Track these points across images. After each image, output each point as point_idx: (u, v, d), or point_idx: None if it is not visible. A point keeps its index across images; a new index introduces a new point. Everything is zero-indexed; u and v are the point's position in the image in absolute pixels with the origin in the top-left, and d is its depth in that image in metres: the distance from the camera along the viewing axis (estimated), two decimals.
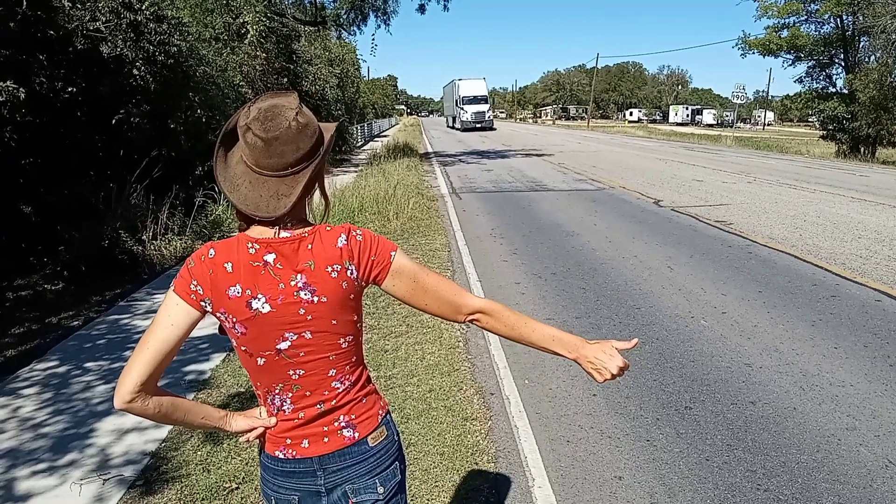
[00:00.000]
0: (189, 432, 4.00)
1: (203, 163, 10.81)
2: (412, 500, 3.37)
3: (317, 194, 1.70)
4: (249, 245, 1.56)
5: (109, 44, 8.64)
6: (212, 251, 1.58)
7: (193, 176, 10.52)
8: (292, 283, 1.56)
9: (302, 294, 1.56)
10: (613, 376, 1.69)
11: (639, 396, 4.59)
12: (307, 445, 1.68)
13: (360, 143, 36.12)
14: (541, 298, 6.93)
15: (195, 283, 1.56)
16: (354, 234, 1.63)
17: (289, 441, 1.68)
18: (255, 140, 1.50)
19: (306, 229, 1.60)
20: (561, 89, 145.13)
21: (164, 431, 4.04)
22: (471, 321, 1.75)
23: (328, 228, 1.62)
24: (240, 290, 1.55)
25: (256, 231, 1.58)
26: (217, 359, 5.14)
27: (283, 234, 1.58)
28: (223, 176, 1.58)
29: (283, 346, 1.60)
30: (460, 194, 15.33)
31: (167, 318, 1.56)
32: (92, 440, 3.96)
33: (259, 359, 1.62)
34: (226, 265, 1.55)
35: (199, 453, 3.77)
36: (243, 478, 3.51)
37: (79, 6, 8.42)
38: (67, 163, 8.05)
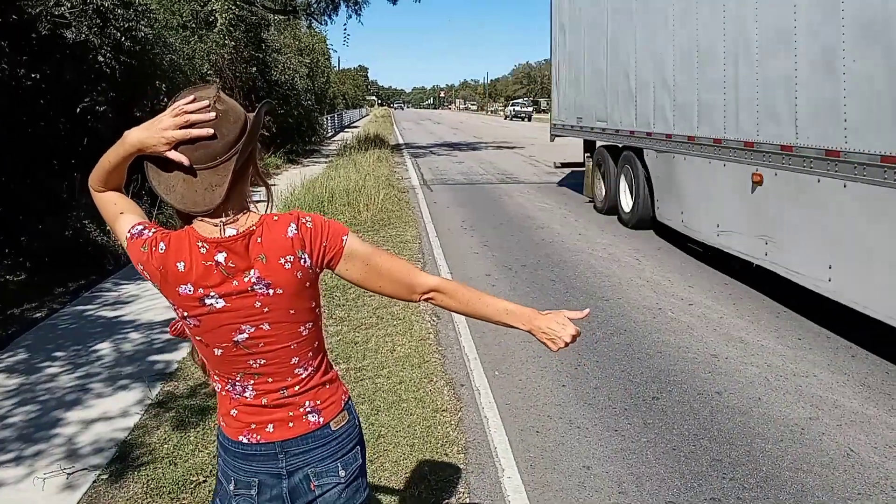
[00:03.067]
0: (156, 424, 3.96)
1: None
2: (382, 492, 3.37)
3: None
4: (200, 244, 1.53)
5: (74, 30, 8.45)
6: (162, 245, 1.54)
7: None
8: (245, 280, 1.54)
9: (257, 288, 1.54)
10: (567, 344, 1.72)
11: (607, 387, 4.63)
12: (272, 430, 1.66)
13: (330, 134, 35.88)
14: (511, 290, 6.95)
15: (142, 267, 1.56)
16: (304, 220, 1.60)
17: (253, 426, 1.66)
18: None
19: (253, 223, 1.57)
20: (532, 82, 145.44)
21: (130, 422, 4.00)
22: (426, 299, 1.73)
23: (275, 218, 1.59)
24: (191, 289, 1.53)
25: (204, 230, 1.55)
26: (184, 349, 5.07)
27: (229, 231, 1.54)
28: (157, 181, 1.54)
29: (241, 338, 1.58)
30: (431, 186, 15.32)
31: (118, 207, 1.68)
32: (58, 430, 3.90)
33: (216, 349, 1.61)
34: (178, 264, 1.53)
35: (166, 446, 3.73)
36: (210, 471, 3.48)
37: None
38: (30, 152, 7.88)
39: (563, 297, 6.66)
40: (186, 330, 1.63)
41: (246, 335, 1.58)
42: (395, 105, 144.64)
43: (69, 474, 3.47)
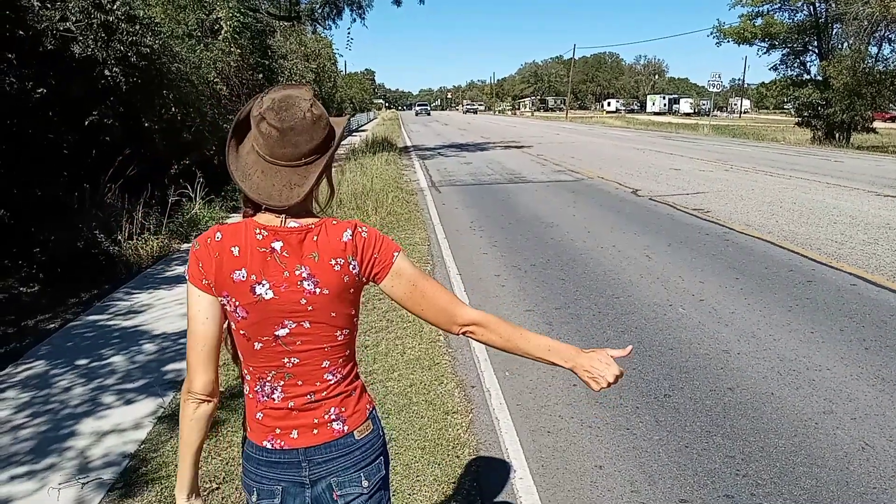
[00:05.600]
0: (169, 433, 3.98)
1: (178, 161, 10.71)
2: (394, 494, 3.37)
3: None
4: (258, 231, 1.59)
5: (80, 44, 8.50)
6: (219, 234, 1.60)
7: (168, 174, 10.41)
8: (296, 273, 1.59)
9: (305, 284, 1.59)
10: (609, 384, 1.71)
11: (618, 385, 4.57)
12: (296, 436, 1.68)
13: None
14: (521, 290, 6.94)
15: (201, 264, 1.60)
16: (360, 230, 1.65)
17: (278, 431, 1.69)
18: (269, 130, 1.53)
19: (313, 221, 1.63)
20: (539, 81, 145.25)
21: (143, 433, 4.02)
22: (465, 332, 1.74)
23: (335, 222, 1.64)
24: (245, 275, 1.57)
25: (264, 218, 1.61)
26: None
27: (291, 223, 1.60)
28: (235, 165, 1.61)
29: (282, 332, 1.62)
30: (439, 188, 15.32)
31: (199, 313, 1.61)
32: (71, 443, 3.92)
33: (256, 343, 1.64)
34: (232, 249, 1.58)
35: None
36: (224, 478, 3.50)
37: (48, 6, 8.28)
38: (40, 164, 7.94)
39: (573, 296, 6.65)
40: (232, 324, 1.66)
41: (287, 330, 1.62)
42: (418, 108, 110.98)
43: (83, 485, 3.49)
